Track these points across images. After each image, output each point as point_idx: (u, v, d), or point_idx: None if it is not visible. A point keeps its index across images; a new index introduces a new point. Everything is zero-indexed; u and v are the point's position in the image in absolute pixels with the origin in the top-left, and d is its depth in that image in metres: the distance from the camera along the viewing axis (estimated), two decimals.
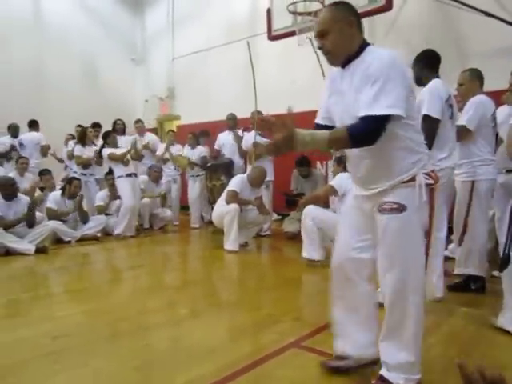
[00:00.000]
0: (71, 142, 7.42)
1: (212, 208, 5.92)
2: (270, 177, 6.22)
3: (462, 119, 3.40)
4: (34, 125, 7.67)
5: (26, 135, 7.59)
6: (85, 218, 6.04)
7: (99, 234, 6.09)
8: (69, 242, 5.72)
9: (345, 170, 4.61)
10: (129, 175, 6.27)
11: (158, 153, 7.49)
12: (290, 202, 5.97)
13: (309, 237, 4.36)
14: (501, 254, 2.53)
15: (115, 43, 10.59)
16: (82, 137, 6.91)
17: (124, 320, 2.93)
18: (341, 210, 4.42)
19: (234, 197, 5.20)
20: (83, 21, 9.96)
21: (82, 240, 5.85)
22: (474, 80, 3.57)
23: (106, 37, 10.33)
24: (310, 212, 4.40)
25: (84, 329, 2.78)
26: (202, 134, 7.49)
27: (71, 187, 5.93)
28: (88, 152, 6.81)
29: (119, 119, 7.49)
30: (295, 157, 6.31)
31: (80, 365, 2.25)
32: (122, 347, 2.46)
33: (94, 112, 8.39)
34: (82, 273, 4.57)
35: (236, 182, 5.34)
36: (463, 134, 3.39)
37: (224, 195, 5.35)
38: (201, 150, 7.25)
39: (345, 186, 4.36)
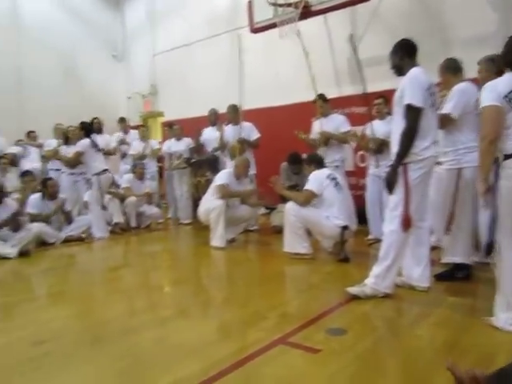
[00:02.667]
0: (50, 141, 7.29)
1: (197, 204, 5.83)
2: (252, 170, 6.17)
3: (447, 107, 3.37)
4: None
5: None
6: (68, 219, 5.95)
7: (84, 235, 5.98)
8: (53, 243, 5.62)
9: (317, 167, 4.55)
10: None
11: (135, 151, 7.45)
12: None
13: (294, 232, 4.32)
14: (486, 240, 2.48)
15: (95, 40, 10.37)
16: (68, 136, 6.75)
17: (108, 322, 2.87)
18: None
19: (225, 189, 5.10)
20: (62, 18, 9.72)
21: (67, 241, 5.75)
22: (444, 71, 3.60)
23: (85, 34, 10.10)
24: (292, 208, 4.34)
25: (67, 333, 2.71)
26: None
27: (48, 188, 5.82)
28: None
29: (95, 118, 7.39)
30: (278, 149, 6.24)
31: (62, 371, 2.19)
32: (106, 350, 2.41)
33: (75, 110, 8.20)
34: (66, 275, 4.48)
35: (223, 176, 5.26)
36: (447, 122, 3.37)
37: (211, 191, 5.27)
38: (187, 142, 7.13)
39: (320, 184, 4.33)
